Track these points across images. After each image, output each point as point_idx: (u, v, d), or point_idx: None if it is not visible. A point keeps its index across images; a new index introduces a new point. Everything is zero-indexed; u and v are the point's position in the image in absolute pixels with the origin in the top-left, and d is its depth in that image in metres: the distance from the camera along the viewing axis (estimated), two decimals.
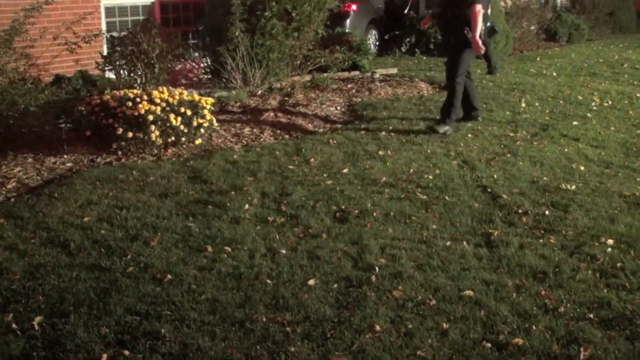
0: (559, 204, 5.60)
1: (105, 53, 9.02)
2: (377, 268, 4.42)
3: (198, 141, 7.35)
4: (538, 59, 14.62)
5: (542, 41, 17.51)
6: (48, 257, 4.58)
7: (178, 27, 10.59)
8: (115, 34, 9.11)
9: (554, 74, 12.36)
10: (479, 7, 7.45)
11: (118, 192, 5.80)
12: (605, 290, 4.17)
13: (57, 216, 5.27)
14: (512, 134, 7.81)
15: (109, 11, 10.23)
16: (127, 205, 5.49)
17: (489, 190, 5.91)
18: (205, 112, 7.33)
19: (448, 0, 7.86)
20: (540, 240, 4.89)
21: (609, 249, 4.74)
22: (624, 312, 3.91)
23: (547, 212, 5.41)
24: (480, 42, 7.52)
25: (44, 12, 8.20)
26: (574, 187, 6.03)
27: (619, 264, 4.50)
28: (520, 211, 5.42)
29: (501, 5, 15.92)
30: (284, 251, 4.68)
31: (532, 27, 17.45)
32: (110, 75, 8.64)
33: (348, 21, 14.01)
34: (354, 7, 14.25)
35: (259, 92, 9.79)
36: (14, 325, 3.73)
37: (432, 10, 13.60)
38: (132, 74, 8.51)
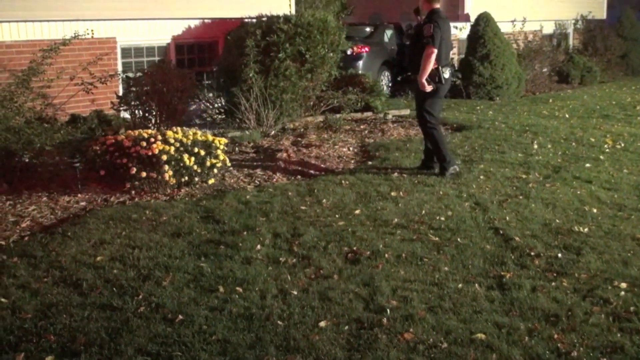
0: (572, 246, 5.58)
1: (120, 93, 9.13)
2: (388, 310, 4.41)
3: (211, 181, 7.40)
4: (550, 100, 14.66)
5: (555, 83, 17.57)
6: (60, 296, 4.60)
7: (193, 67, 10.72)
8: (130, 74, 9.24)
9: (567, 115, 12.39)
10: (432, 49, 7.40)
11: (131, 232, 5.83)
12: (618, 335, 4.13)
13: (70, 255, 5.31)
14: (524, 176, 7.81)
15: (125, 52, 10.39)
16: (139, 244, 5.52)
17: (501, 232, 5.91)
18: (219, 152, 7.39)
19: (413, 38, 7.89)
20: (553, 283, 4.87)
21: (622, 293, 4.70)
22: (638, 357, 3.87)
23: (559, 255, 5.39)
24: (426, 84, 7.47)
25: (61, 52, 8.36)
26: (586, 229, 6.01)
27: (632, 308, 4.47)
28: (532, 254, 5.41)
29: (513, 48, 16.04)
30: (295, 292, 4.67)
31: (545, 69, 17.53)
32: (126, 115, 8.75)
33: (361, 63, 14.17)
34: (366, 49, 14.40)
35: (272, 132, 9.87)
36: None
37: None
38: (146, 114, 8.61)
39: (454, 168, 7.75)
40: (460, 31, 16.26)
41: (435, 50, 7.45)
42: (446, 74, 7.63)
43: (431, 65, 7.44)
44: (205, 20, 11.23)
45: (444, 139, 7.93)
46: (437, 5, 7.67)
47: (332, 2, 15.01)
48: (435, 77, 7.55)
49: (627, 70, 20.77)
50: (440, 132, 7.88)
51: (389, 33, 15.48)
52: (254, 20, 10.85)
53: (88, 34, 9.06)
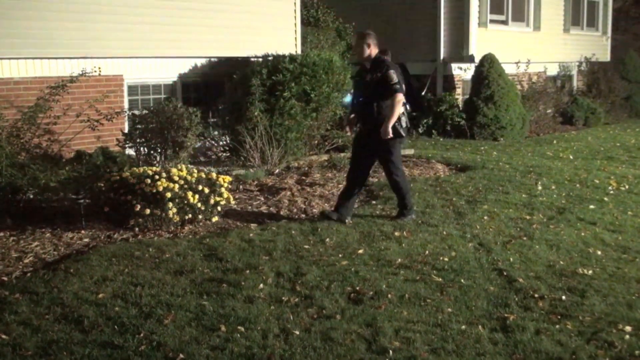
0: (576, 288, 5.56)
1: (126, 130, 9.20)
2: (391, 351, 4.38)
3: (215, 219, 7.41)
4: (554, 142, 14.71)
5: (559, 124, 17.63)
6: (61, 333, 4.58)
7: (199, 105, 10.80)
8: (137, 111, 9.31)
9: (571, 157, 12.42)
10: (401, 96, 7.09)
11: (133, 269, 5.83)
12: None
13: (72, 292, 5.30)
14: (528, 217, 7.81)
15: (132, 89, 10.48)
16: (142, 282, 5.51)
17: (504, 273, 5.89)
18: (223, 190, 7.41)
19: (365, 89, 7.33)
20: (557, 326, 4.84)
21: (627, 336, 4.67)
22: None
23: (563, 297, 5.36)
24: (391, 131, 7.07)
25: (68, 89, 8.45)
26: (590, 272, 5.99)
27: (637, 352, 4.44)
28: (536, 295, 5.38)
29: (518, 89, 16.14)
30: (297, 332, 4.65)
31: (549, 111, 17.61)
32: (131, 152, 8.81)
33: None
34: None
35: (277, 170, 9.90)
36: None
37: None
38: (151, 152, 8.66)
39: (412, 217, 7.58)
40: (464, 72, 16.38)
41: (403, 97, 7.17)
42: (403, 122, 7.30)
43: (399, 113, 7.13)
44: (212, 59, 11.34)
45: (407, 185, 7.70)
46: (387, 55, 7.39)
47: (337, 42, 15.14)
48: (399, 126, 7.20)
49: (631, 113, 20.84)
50: (405, 179, 7.65)
51: None
52: (260, 59, 10.96)
53: (95, 71, 9.16)
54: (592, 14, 21.38)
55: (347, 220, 7.39)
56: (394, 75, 7.09)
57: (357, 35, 7.43)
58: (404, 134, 7.33)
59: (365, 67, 7.37)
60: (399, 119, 7.17)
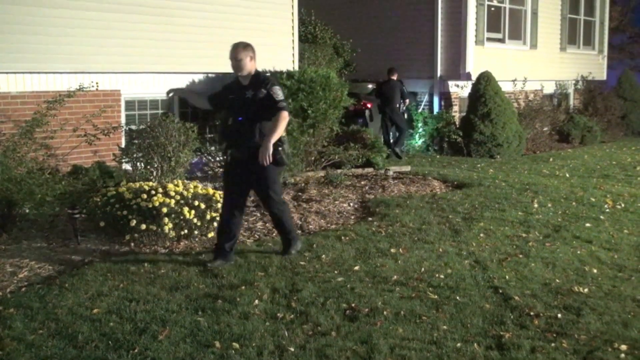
0: (572, 307, 5.56)
1: (123, 145, 9.20)
2: None
3: (211, 234, 7.39)
4: (551, 159, 14.75)
5: (555, 142, 17.69)
6: (55, 348, 4.57)
7: (195, 120, 10.81)
8: (133, 126, 9.32)
9: (567, 175, 12.45)
10: (287, 115, 6.31)
11: (129, 284, 5.82)
12: None
13: (67, 307, 5.29)
14: (524, 235, 7.82)
15: (129, 104, 10.50)
16: (137, 297, 5.50)
17: (500, 291, 5.89)
18: (219, 205, 7.39)
19: (244, 108, 6.35)
20: (552, 344, 4.83)
21: (622, 355, 4.67)
22: None
23: (559, 315, 5.36)
24: (270, 154, 6.19)
25: (65, 104, 8.46)
26: (586, 290, 5.99)
27: None
28: (532, 313, 5.38)
29: (514, 107, 16.20)
30: (292, 349, 4.64)
31: (545, 128, 17.67)
32: (127, 167, 8.80)
33: (363, 119, 14.28)
34: (368, 105, 14.54)
35: None
36: None
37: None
38: (148, 167, 8.65)
39: (298, 244, 6.83)
40: (461, 89, 16.45)
41: (288, 116, 6.39)
42: (286, 147, 6.48)
43: (281, 133, 6.31)
44: (210, 75, 11.37)
45: (289, 216, 6.86)
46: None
47: (334, 59, 15.21)
48: (282, 151, 6.37)
49: (627, 131, 20.93)
50: (288, 213, 6.82)
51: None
52: None
53: (93, 86, 9.18)
54: (589, 33, 21.52)
55: (231, 262, 6.46)
56: (280, 92, 6.35)
57: (239, 46, 6.41)
58: (286, 162, 6.51)
59: (241, 83, 6.46)
60: (281, 143, 6.32)
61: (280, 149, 6.30)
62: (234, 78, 6.60)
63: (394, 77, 14.92)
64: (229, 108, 6.55)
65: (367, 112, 14.37)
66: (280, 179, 6.81)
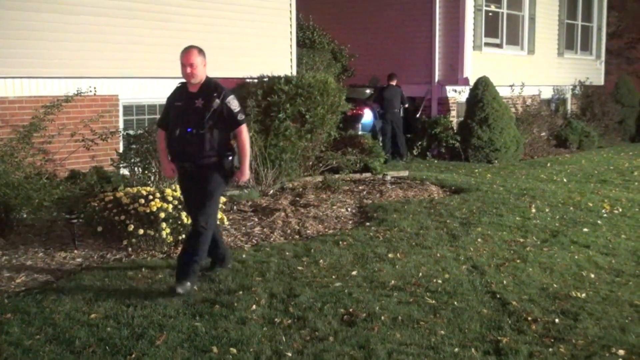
0: (569, 312, 5.56)
1: (121, 150, 9.20)
2: None
3: None
4: (548, 164, 14.76)
5: (553, 147, 17.70)
6: (52, 354, 4.56)
7: None
8: (131, 131, 9.32)
9: (564, 180, 12.46)
10: (245, 128, 5.86)
11: (126, 289, 5.81)
12: None
13: (64, 312, 5.28)
14: (522, 240, 7.82)
15: (127, 109, 10.50)
16: (134, 302, 5.50)
17: (498, 296, 5.89)
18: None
19: (194, 117, 5.73)
20: (550, 349, 4.83)
21: None
22: None
23: (557, 320, 5.36)
24: (248, 174, 5.94)
25: (63, 109, 8.46)
26: (584, 295, 6.00)
27: None
28: (529, 318, 5.38)
29: (512, 112, 16.22)
30: (290, 354, 4.64)
31: (543, 134, 17.69)
32: (125, 172, 8.80)
33: (361, 124, 14.29)
34: (366, 110, 14.56)
35: (271, 191, 9.91)
36: None
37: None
38: (146, 172, 8.65)
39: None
40: (459, 94, 16.47)
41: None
42: (236, 161, 5.94)
43: (248, 148, 5.87)
44: None
45: (207, 248, 5.98)
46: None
47: (332, 64, 15.23)
48: (231, 166, 5.85)
49: (625, 136, 20.96)
50: (209, 237, 5.92)
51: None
52: (256, 80, 11.00)
53: (90, 91, 9.18)
54: (586, 38, 21.57)
55: (195, 287, 5.84)
56: (237, 102, 5.82)
57: (194, 50, 5.78)
58: (233, 174, 5.95)
59: (189, 91, 5.83)
60: (232, 154, 5.84)
61: (230, 158, 5.81)
62: (180, 86, 5.96)
63: (394, 83, 14.96)
64: (176, 117, 5.83)
65: (363, 117, 14.41)
66: (219, 199, 6.17)
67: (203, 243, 5.81)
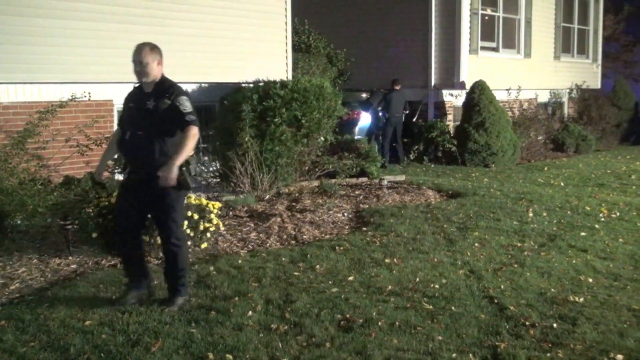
0: (567, 316, 5.55)
1: (115, 156, 9.17)
2: None
3: (204, 245, 7.38)
4: (546, 168, 14.78)
5: (550, 151, 17.73)
6: None
7: None
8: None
9: (562, 184, 12.47)
10: (196, 130, 5.39)
11: (121, 296, 5.79)
12: None
13: (59, 319, 5.26)
14: (519, 244, 7.82)
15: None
16: (129, 309, 5.47)
17: (495, 301, 5.88)
18: (212, 216, 7.39)
19: (145, 120, 5.44)
20: (548, 354, 4.83)
21: None
22: None
23: (555, 325, 5.35)
24: (174, 176, 5.25)
25: (57, 114, 8.44)
26: (582, 299, 5.99)
27: None
28: (527, 323, 5.37)
29: (509, 115, 16.24)
30: None
31: (540, 137, 17.71)
32: (120, 177, 8.77)
33: (357, 128, 14.30)
34: (362, 114, 14.57)
35: (267, 196, 9.90)
36: None
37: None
38: None
39: (183, 299, 5.65)
40: (455, 98, 16.50)
41: (198, 132, 5.46)
42: (192, 169, 5.72)
43: (190, 152, 5.42)
44: (203, 84, 11.37)
45: (188, 259, 5.84)
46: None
47: (328, 68, 15.24)
48: (186, 173, 5.47)
49: (622, 140, 21.00)
50: (186, 251, 5.75)
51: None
52: (251, 85, 11.00)
53: (85, 96, 9.17)
54: (583, 42, 21.62)
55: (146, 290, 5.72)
56: (188, 103, 5.46)
57: (145, 48, 5.54)
58: (191, 185, 5.56)
59: (143, 91, 5.57)
60: (186, 163, 5.45)
61: (184, 169, 5.38)
62: (137, 86, 5.71)
63: (398, 87, 15.03)
64: (128, 119, 5.56)
65: (359, 122, 14.43)
66: (183, 205, 5.84)
67: (182, 256, 5.63)
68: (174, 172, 5.21)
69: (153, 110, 5.40)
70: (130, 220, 5.59)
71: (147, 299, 5.65)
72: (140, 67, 5.47)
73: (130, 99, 5.67)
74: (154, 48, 5.54)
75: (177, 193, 5.45)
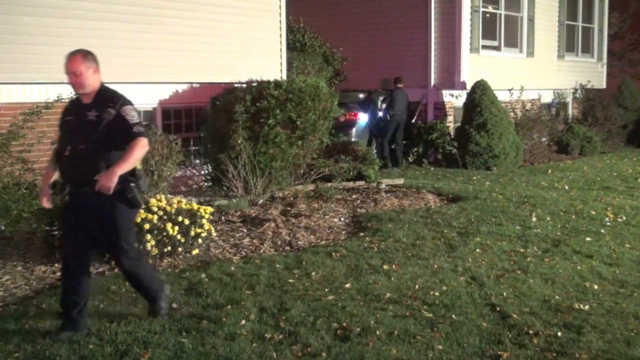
0: (572, 324, 5.56)
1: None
2: None
3: (195, 251, 7.38)
4: (549, 171, 14.80)
5: (554, 153, 17.75)
6: None
7: (179, 133, 10.81)
8: None
9: (566, 187, 12.49)
10: (146, 142, 5.19)
11: (109, 304, 5.79)
12: None
13: (44, 329, 5.25)
14: (522, 250, 7.82)
15: None
16: (117, 318, 5.47)
17: (498, 309, 5.88)
18: (204, 221, 7.39)
19: (86, 132, 5.12)
20: None
21: None
22: None
23: (559, 334, 5.36)
24: (114, 181, 4.95)
25: (43, 116, 8.43)
26: (587, 307, 6.00)
27: None
28: (531, 332, 5.37)
29: (511, 116, 16.26)
30: None
31: (543, 139, 17.74)
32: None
33: (354, 130, 14.31)
34: (359, 115, 14.58)
35: (261, 201, 9.90)
36: None
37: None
38: None
39: (167, 294, 5.62)
40: (456, 99, 16.52)
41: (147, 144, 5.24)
42: (142, 185, 5.29)
43: (136, 162, 5.17)
44: (194, 85, 11.37)
45: (153, 273, 5.77)
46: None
47: (324, 67, 15.26)
48: (136, 190, 5.17)
49: (628, 141, 21.04)
50: (146, 263, 5.73)
51: (381, 100, 15.67)
52: (244, 85, 11.00)
53: (72, 97, 9.14)
54: (587, 40, 21.66)
55: (85, 332, 5.20)
56: (135, 113, 5.22)
57: (78, 56, 5.22)
58: (141, 202, 5.30)
59: (83, 103, 5.26)
60: (135, 178, 5.18)
61: (133, 185, 5.12)
62: (74, 97, 5.47)
63: (401, 86, 15.09)
64: (67, 134, 5.24)
65: (357, 123, 14.44)
66: (134, 223, 5.56)
67: (144, 275, 5.45)
68: (113, 180, 4.94)
69: (96, 121, 5.10)
70: (78, 248, 5.24)
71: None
72: (74, 78, 5.18)
73: (68, 112, 5.36)
74: (87, 55, 5.24)
75: (127, 211, 5.21)
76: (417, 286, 6.45)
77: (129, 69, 10.39)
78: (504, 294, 6.28)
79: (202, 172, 11.00)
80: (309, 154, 10.97)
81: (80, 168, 5.09)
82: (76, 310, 5.19)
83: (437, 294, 6.23)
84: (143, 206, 5.48)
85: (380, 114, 15.13)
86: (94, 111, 5.13)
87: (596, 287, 6.60)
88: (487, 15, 17.28)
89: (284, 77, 12.27)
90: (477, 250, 7.77)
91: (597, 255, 7.69)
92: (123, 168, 4.99)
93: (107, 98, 5.19)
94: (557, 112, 19.89)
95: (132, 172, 5.14)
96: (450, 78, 16.47)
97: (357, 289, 6.33)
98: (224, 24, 11.64)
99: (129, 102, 5.22)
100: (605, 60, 22.55)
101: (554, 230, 8.80)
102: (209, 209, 7.62)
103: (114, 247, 5.29)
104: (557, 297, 6.26)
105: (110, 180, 4.92)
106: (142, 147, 5.12)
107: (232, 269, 6.89)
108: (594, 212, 9.90)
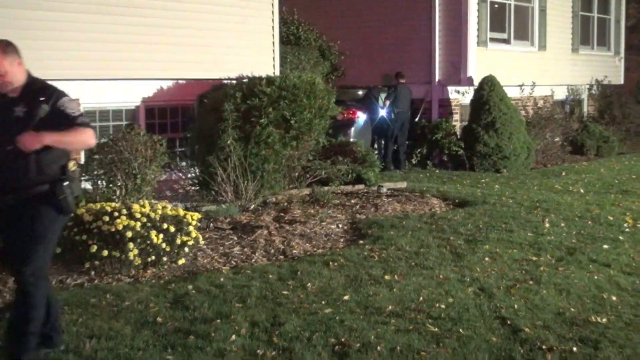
0: (589, 339, 5.56)
1: (82, 161, 9.17)
2: None
3: (181, 261, 7.37)
4: (563, 173, 14.82)
5: (568, 154, 17.79)
6: None
7: (164, 133, 10.80)
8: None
9: (581, 191, 12.51)
10: (91, 133, 4.96)
11: (88, 319, 5.78)
12: None
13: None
14: (534, 258, 7.83)
15: (89, 115, 10.45)
16: (97, 333, 5.46)
17: (508, 322, 5.88)
18: (191, 228, 7.39)
19: (15, 130, 4.71)
20: None
21: None
22: None
23: (574, 349, 5.36)
24: (34, 146, 4.66)
25: None
26: (605, 319, 6.00)
27: None
28: (544, 347, 5.38)
29: (522, 115, 16.29)
30: None
31: (557, 139, 17.77)
32: (87, 185, 8.76)
33: (352, 130, 14.31)
34: (359, 113, 14.59)
35: (252, 206, 9.89)
36: None
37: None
38: (111, 185, 8.63)
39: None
40: (462, 96, 16.54)
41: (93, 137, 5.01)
42: (75, 189, 4.96)
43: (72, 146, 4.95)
44: (180, 81, 11.37)
45: (42, 309, 4.94)
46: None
47: (320, 62, 15.27)
48: (69, 193, 4.85)
49: None
50: (45, 295, 4.94)
51: (383, 97, 15.70)
52: (234, 81, 11.01)
53: None
54: (603, 33, 21.71)
55: (61, 347, 5.12)
56: (73, 104, 4.93)
57: None
58: (72, 208, 4.97)
59: (9, 97, 4.89)
60: (69, 179, 4.87)
61: (66, 184, 4.83)
62: None
63: (403, 81, 15.13)
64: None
65: (355, 122, 14.46)
66: (57, 236, 5.08)
67: (35, 306, 4.84)
68: (37, 142, 4.63)
69: (26, 117, 4.76)
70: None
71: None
72: None
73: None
74: (8, 46, 4.87)
75: (54, 217, 4.87)
76: (421, 298, 6.45)
77: (109, 64, 10.38)
78: (515, 306, 6.28)
79: (189, 175, 10.99)
80: (304, 155, 10.97)
81: (8, 172, 4.78)
82: (48, 327, 5.04)
83: (442, 306, 6.24)
84: (72, 214, 5.20)
85: (383, 112, 15.14)
86: (21, 106, 4.81)
87: (614, 298, 6.61)
88: (496, 5, 17.32)
89: (277, 73, 12.28)
90: (486, 259, 7.77)
91: (615, 264, 7.70)
92: (54, 140, 4.69)
93: (38, 91, 4.88)
94: (572, 110, 19.94)
95: (64, 171, 4.86)
96: (456, 73, 16.48)
97: (357, 302, 6.33)
98: (211, 15, 11.63)
99: (64, 94, 4.91)
100: (622, 54, 22.61)
101: (568, 237, 8.81)
102: (197, 215, 7.62)
103: (22, 250, 4.77)
104: (572, 309, 6.27)
105: (35, 142, 4.64)
106: (85, 136, 4.86)
107: (222, 279, 6.88)
108: (611, 218, 9.91)
